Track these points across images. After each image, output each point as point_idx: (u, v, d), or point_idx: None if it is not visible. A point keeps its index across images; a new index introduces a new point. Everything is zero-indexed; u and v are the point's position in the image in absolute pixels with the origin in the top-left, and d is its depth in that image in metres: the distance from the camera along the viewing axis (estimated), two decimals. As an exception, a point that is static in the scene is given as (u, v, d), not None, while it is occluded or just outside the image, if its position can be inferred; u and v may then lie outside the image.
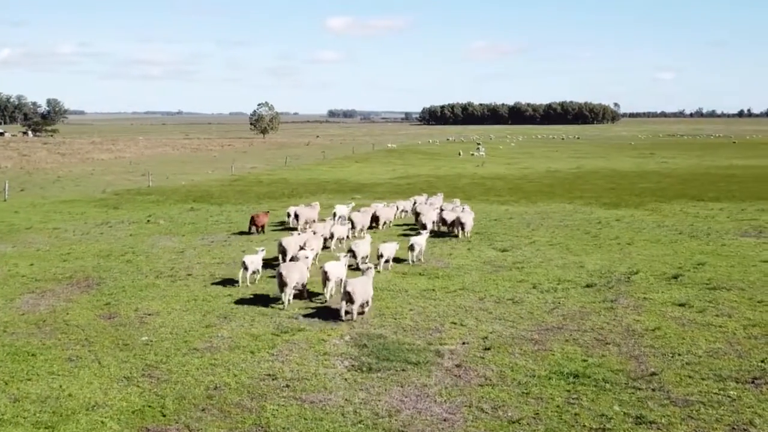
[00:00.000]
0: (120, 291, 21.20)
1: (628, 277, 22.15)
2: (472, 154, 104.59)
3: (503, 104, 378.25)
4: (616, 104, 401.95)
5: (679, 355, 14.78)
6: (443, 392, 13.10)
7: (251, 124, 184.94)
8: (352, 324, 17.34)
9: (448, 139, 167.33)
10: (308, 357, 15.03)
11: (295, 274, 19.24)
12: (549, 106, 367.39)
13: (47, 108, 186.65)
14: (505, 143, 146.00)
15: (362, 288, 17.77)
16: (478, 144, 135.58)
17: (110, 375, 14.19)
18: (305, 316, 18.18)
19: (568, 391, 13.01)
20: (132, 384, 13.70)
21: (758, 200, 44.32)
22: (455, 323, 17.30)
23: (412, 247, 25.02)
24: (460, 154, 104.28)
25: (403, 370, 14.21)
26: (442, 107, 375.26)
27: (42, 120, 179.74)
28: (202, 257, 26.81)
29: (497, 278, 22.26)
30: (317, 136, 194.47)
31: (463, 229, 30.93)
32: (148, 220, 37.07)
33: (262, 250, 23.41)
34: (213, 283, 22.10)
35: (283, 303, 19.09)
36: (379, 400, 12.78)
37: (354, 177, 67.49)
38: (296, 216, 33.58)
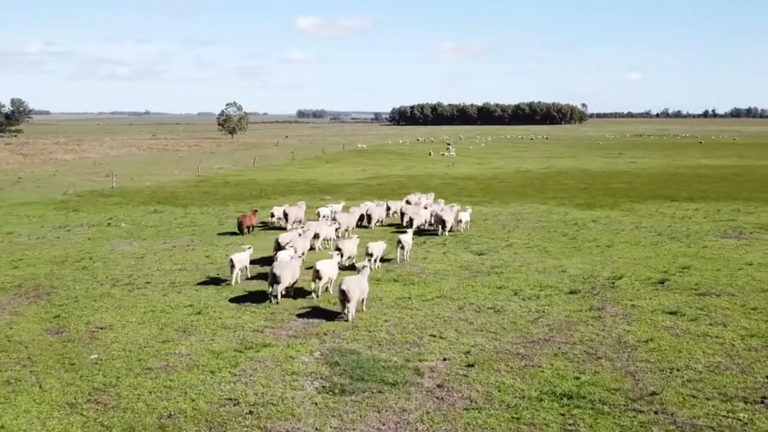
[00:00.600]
0: (72, 302, 19.49)
1: (613, 283, 21.01)
2: (443, 155, 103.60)
3: (472, 105, 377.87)
4: (583, 104, 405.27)
5: (678, 370, 13.58)
6: (425, 418, 11.73)
7: (219, 124, 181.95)
8: (322, 338, 15.91)
9: (418, 140, 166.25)
10: (274, 377, 13.55)
11: (288, 273, 19.32)
12: (517, 107, 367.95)
13: (11, 108, 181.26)
14: (474, 143, 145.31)
15: (357, 286, 17.41)
16: (448, 144, 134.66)
17: (52, 401, 12.59)
18: (272, 328, 16.72)
19: (563, 414, 11.72)
20: (75, 412, 12.11)
21: (732, 200, 43.73)
22: (434, 336, 15.94)
23: (402, 246, 24.71)
24: (430, 154, 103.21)
25: (380, 392, 12.80)
26: (412, 107, 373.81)
27: (5, 120, 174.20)
28: (162, 263, 25.15)
29: (476, 284, 20.97)
30: (286, 137, 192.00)
31: (444, 227, 31.13)
32: (109, 223, 35.25)
33: (249, 248, 23.14)
34: (173, 292, 20.52)
35: (276, 298, 19.19)
36: (354, 429, 11.38)
37: (324, 177, 65.96)
38: (285, 215, 33.19)
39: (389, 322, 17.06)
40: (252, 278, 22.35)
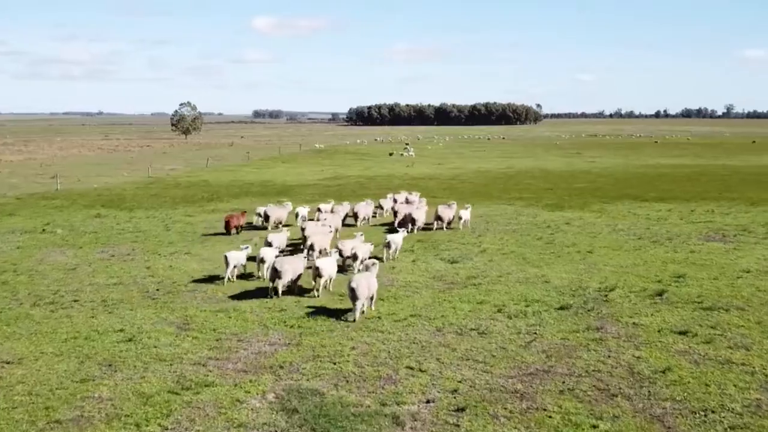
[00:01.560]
0: (-21, 327, 16.30)
1: (605, 295, 18.57)
2: (401, 155, 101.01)
3: (429, 105, 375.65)
4: (538, 105, 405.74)
5: (713, 412, 11.09)
6: (410, 491, 9.01)
7: (173, 124, 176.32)
8: (277, 372, 13.04)
9: (376, 140, 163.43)
10: (216, 431, 10.69)
11: (289, 268, 18.89)
12: (474, 107, 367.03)
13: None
14: (433, 143, 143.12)
15: (366, 283, 16.75)
16: (407, 144, 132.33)
17: None
18: (216, 359, 13.82)
19: (587, 482, 9.12)
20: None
21: (702, 200, 42.06)
22: (412, 368, 13.20)
23: (388, 245, 23.79)
24: (392, 155, 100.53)
25: (351, 451, 10.04)
26: (369, 108, 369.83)
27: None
28: (96, 275, 21.98)
29: (453, 299, 18.32)
30: (242, 137, 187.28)
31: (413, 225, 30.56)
32: (44, 230, 31.77)
33: (246, 247, 22.58)
34: (103, 313, 17.43)
35: (276, 294, 18.77)
36: None
37: (280, 178, 62.83)
38: (266, 216, 32.08)
39: (357, 350, 14.28)
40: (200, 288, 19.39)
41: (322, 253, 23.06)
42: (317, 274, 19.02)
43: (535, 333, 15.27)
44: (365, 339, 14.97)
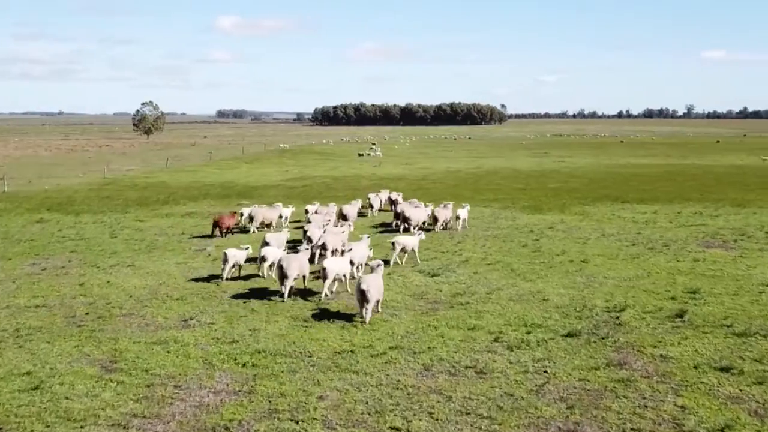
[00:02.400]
0: None
1: (617, 317, 15.65)
2: (368, 154, 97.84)
3: (395, 105, 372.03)
4: (503, 105, 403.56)
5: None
6: None
7: (134, 124, 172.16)
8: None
9: (342, 140, 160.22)
10: None
11: (295, 266, 17.89)
12: (439, 107, 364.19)
13: None
14: (399, 143, 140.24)
15: (376, 284, 15.85)
16: (373, 144, 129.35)
17: None
18: (143, 417, 10.52)
19: None
20: None
21: (685, 201, 39.74)
22: (398, 429, 10.13)
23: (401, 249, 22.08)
24: (362, 155, 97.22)
25: None
26: (335, 108, 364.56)
27: None
28: (18, 295, 18.48)
29: (439, 324, 15.23)
30: (205, 137, 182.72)
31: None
32: (-28, 238, 28.09)
33: (247, 247, 21.31)
34: (12, 348, 13.99)
35: (283, 297, 17.66)
36: None
37: (243, 179, 59.31)
38: (250, 217, 30.41)
39: (326, 401, 11.07)
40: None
41: (334, 253, 22.07)
42: (324, 275, 17.80)
43: (546, 371, 12.25)
44: (336, 384, 11.76)
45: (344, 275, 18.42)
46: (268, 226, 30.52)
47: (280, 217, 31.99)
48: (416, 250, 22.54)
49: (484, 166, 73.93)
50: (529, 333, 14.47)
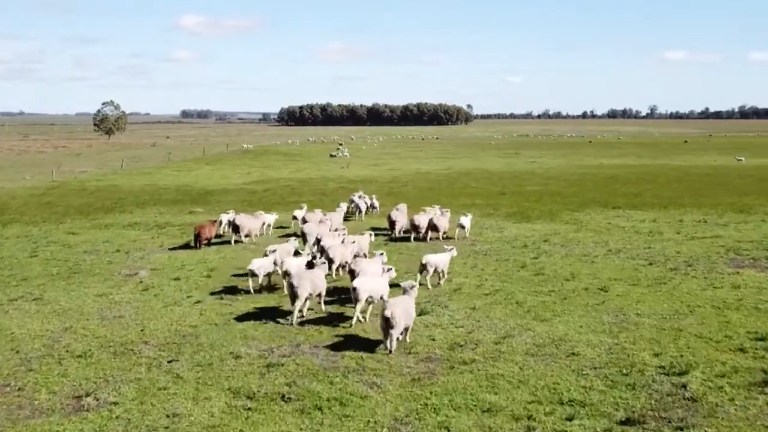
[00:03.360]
0: None
1: (683, 386, 11.10)
2: (334, 155, 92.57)
3: (362, 105, 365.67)
4: (469, 106, 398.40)
5: None
6: None
7: (95, 124, 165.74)
8: None
9: (308, 140, 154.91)
10: None
11: (307, 284, 15.47)
12: (406, 107, 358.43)
13: None
14: (367, 144, 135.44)
15: (404, 311, 13.36)
16: (340, 144, 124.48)
17: None
18: None
19: None
20: None
21: (680, 206, 35.80)
22: None
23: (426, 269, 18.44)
24: (333, 156, 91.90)
25: None
26: (301, 108, 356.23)
27: None
28: None
29: (440, 403, 10.49)
30: (168, 137, 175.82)
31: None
32: None
33: (274, 250, 19.22)
34: None
35: (291, 319, 15.26)
36: None
37: (201, 182, 54.11)
38: (233, 226, 26.58)
39: None
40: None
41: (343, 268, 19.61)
42: (355, 297, 15.14)
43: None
44: None
45: (380, 296, 15.26)
46: (247, 236, 26.68)
47: (263, 225, 28.55)
48: (446, 270, 19.02)
49: (455, 167, 69.72)
50: (570, 419, 9.89)
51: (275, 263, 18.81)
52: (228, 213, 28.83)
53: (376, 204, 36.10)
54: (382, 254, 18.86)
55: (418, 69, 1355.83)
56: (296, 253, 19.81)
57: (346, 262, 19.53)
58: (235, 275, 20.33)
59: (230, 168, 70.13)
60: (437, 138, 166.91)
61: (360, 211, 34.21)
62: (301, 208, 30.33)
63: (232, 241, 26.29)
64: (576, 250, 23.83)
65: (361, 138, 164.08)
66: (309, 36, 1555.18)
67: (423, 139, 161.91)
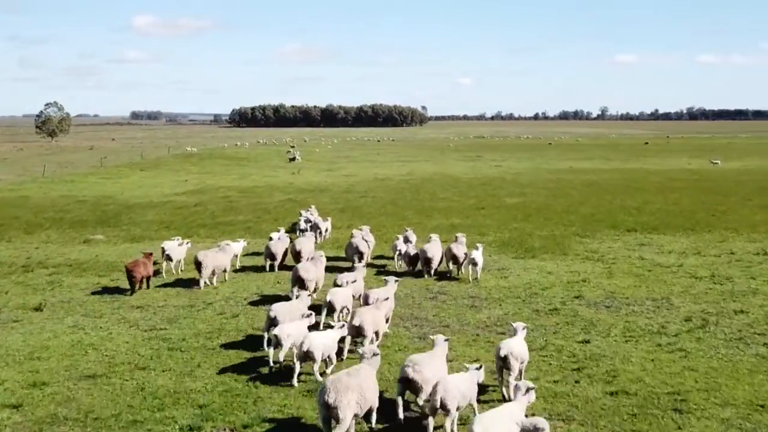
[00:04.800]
0: None
1: None
2: (295, 159, 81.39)
3: (315, 106, 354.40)
4: (423, 107, 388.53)
5: None
6: None
7: (37, 126, 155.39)
8: None
9: (258, 142, 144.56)
10: None
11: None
12: (360, 109, 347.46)
13: None
14: (320, 146, 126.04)
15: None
16: (292, 146, 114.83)
17: None
18: None
19: None
20: None
21: (710, 227, 27.92)
22: None
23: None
24: (291, 160, 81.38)
25: None
26: (253, 109, 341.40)
27: None
28: None
29: None
30: (113, 139, 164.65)
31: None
32: None
33: (307, 297, 14.29)
34: None
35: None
36: None
37: (127, 193, 44.49)
38: (198, 264, 18.54)
39: None
40: None
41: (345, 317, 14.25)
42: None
43: None
44: None
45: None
46: (213, 274, 19.10)
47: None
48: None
49: (416, 173, 61.22)
50: None
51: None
52: (174, 240, 21.76)
53: (329, 225, 27.16)
54: (397, 281, 15.54)
55: (373, 71, 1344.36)
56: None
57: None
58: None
59: (166, 175, 60.23)
60: (393, 140, 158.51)
61: (320, 233, 25.74)
62: (279, 231, 22.93)
63: (164, 273, 19.83)
64: (635, 320, 15.18)
65: (314, 140, 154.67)
66: (264, 37, 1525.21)
67: (378, 141, 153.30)
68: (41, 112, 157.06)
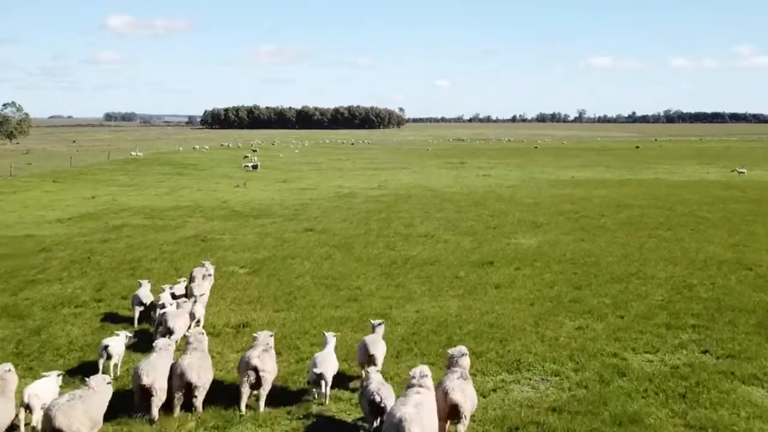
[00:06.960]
0: None
1: None
2: (250, 167, 67.97)
3: (290, 108, 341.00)
4: (401, 109, 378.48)
5: None
6: None
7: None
8: None
9: (222, 145, 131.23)
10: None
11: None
12: (337, 111, 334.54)
13: None
14: (288, 149, 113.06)
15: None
16: (253, 150, 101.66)
17: None
18: None
19: None
20: None
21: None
22: None
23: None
24: (255, 168, 68.02)
25: None
26: (226, 110, 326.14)
27: None
28: None
29: None
30: (74, 141, 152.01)
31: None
32: None
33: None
34: None
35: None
36: None
37: (3, 218, 31.67)
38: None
39: None
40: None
41: None
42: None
43: None
44: None
45: None
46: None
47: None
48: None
49: (389, 185, 48.84)
50: None
51: None
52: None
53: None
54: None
55: (350, 72, 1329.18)
56: None
57: None
58: None
59: (77, 188, 47.16)
60: (368, 142, 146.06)
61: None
62: (180, 282, 15.18)
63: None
64: None
65: (284, 142, 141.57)
66: (239, 38, 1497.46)
67: (353, 143, 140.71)
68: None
